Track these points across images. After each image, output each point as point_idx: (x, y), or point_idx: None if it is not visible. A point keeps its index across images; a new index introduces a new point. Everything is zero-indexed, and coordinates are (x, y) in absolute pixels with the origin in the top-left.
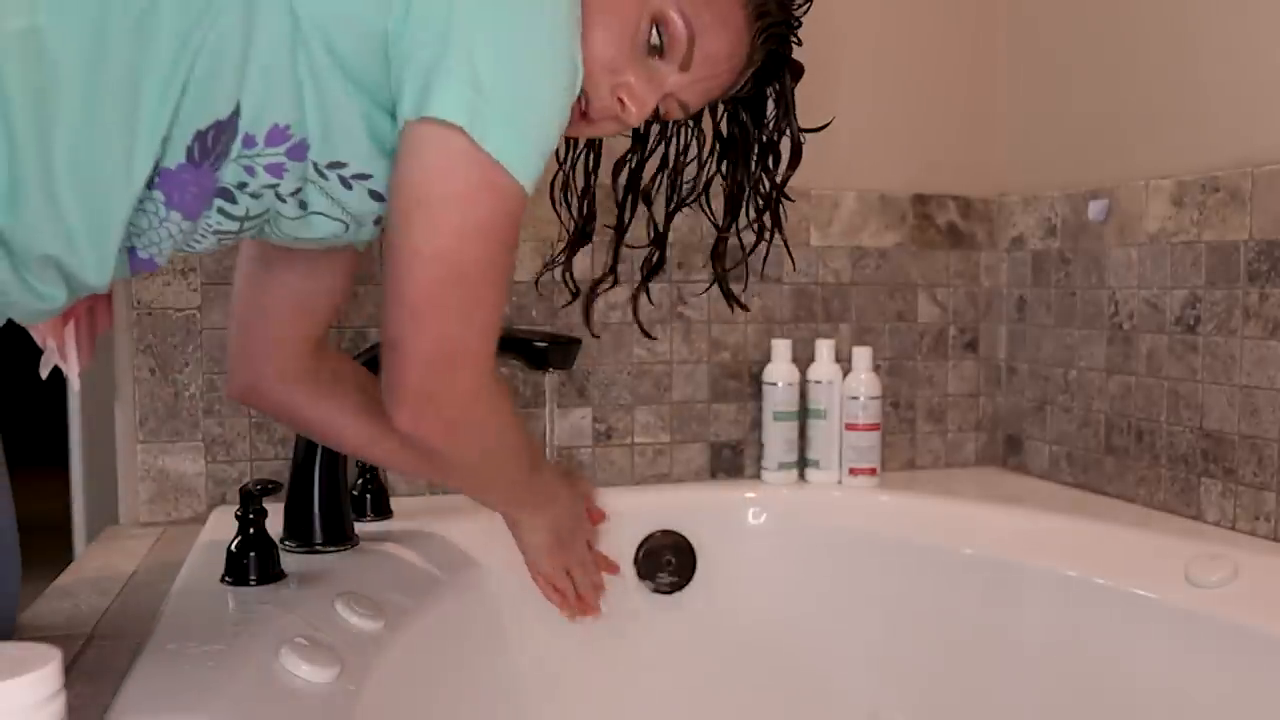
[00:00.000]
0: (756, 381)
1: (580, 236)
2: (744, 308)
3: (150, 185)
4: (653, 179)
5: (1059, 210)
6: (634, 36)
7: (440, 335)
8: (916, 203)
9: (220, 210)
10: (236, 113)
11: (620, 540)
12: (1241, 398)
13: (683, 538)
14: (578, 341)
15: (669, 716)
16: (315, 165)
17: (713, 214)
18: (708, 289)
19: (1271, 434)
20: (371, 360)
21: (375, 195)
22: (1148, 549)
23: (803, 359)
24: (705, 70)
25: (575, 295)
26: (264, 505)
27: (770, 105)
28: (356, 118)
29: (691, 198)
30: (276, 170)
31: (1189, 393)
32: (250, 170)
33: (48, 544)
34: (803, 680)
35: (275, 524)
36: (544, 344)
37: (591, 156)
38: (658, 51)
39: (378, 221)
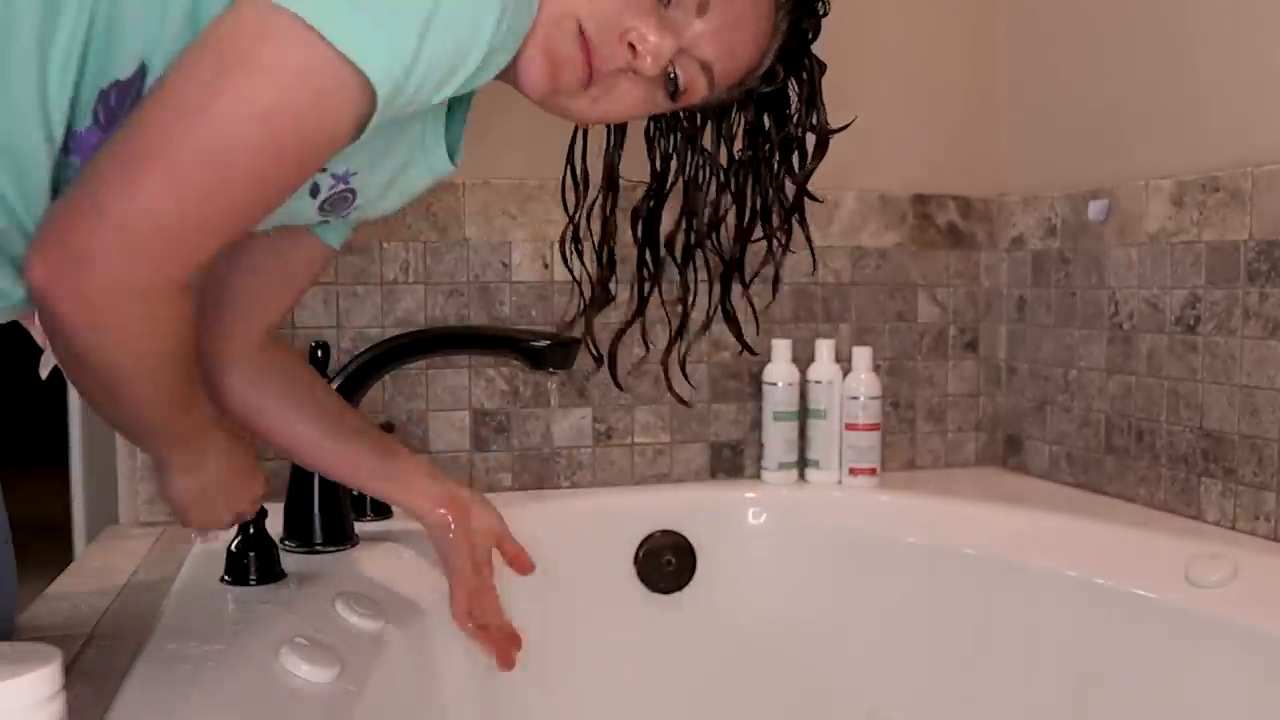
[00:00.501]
0: (756, 381)
1: (602, 297)
2: (751, 351)
3: (67, 150)
4: (675, 225)
5: (1059, 210)
6: None
7: (153, 203)
8: (916, 203)
9: None
10: (141, 73)
11: (620, 540)
12: (1241, 398)
13: (683, 538)
14: (578, 341)
15: (669, 716)
16: None
17: (720, 247)
18: (712, 314)
19: (1271, 434)
20: (370, 362)
21: None
22: (1148, 549)
23: (803, 359)
24: (726, 16)
25: (599, 360)
26: (264, 505)
27: (793, 100)
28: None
29: (709, 231)
30: None
31: (1189, 393)
32: None
33: (48, 544)
34: (802, 680)
35: (275, 524)
36: (544, 344)
37: (610, 198)
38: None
39: (315, 195)
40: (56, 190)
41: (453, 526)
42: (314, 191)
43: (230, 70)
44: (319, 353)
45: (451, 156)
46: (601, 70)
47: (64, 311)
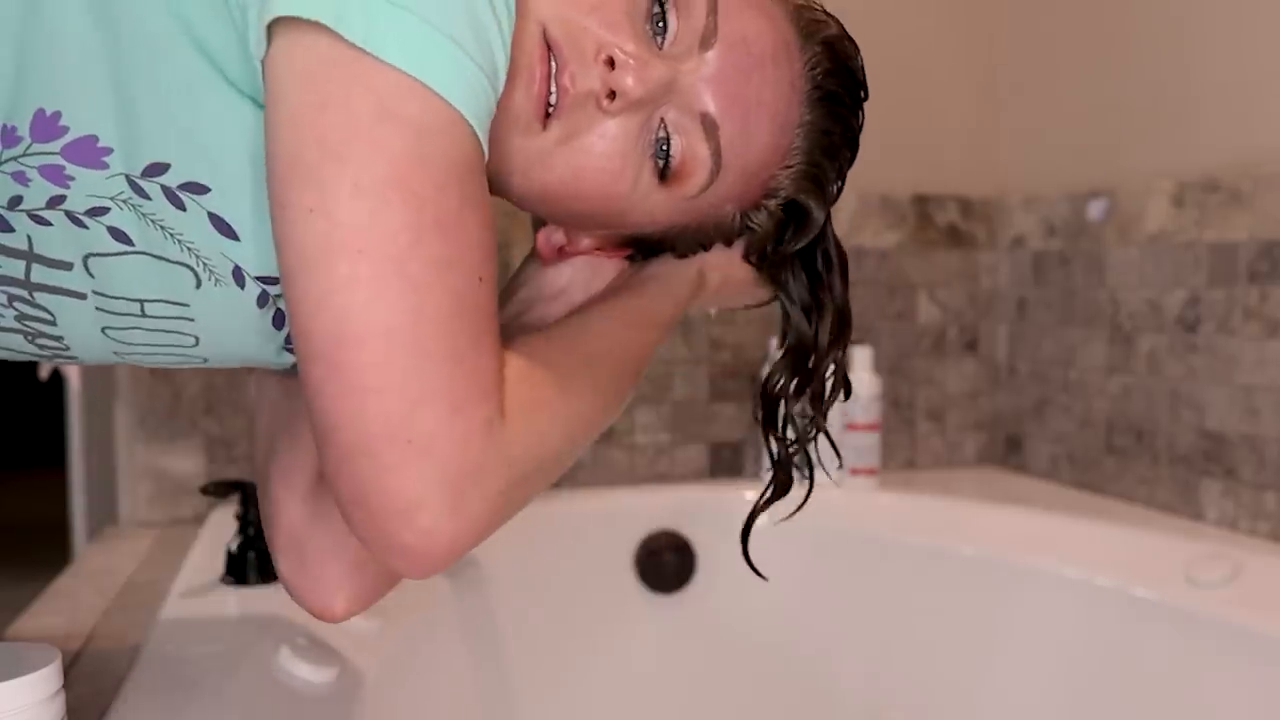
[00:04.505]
0: (756, 381)
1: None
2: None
3: None
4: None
5: (1059, 210)
6: (629, 1)
7: (394, 382)
8: (916, 203)
9: None
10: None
11: (620, 540)
12: (1242, 398)
13: (683, 538)
14: None
15: (669, 716)
16: (128, 178)
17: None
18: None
19: (1271, 434)
20: None
21: (218, 223)
22: (1148, 549)
23: None
24: (737, 58)
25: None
26: None
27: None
28: (176, 80)
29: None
30: (56, 175)
31: (1189, 393)
32: (21, 178)
33: (48, 544)
34: (802, 680)
35: None
36: None
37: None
38: (661, 25)
39: (256, 292)
40: None
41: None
42: (276, 321)
43: (326, 161)
44: None
45: None
46: (566, 90)
47: (467, 549)
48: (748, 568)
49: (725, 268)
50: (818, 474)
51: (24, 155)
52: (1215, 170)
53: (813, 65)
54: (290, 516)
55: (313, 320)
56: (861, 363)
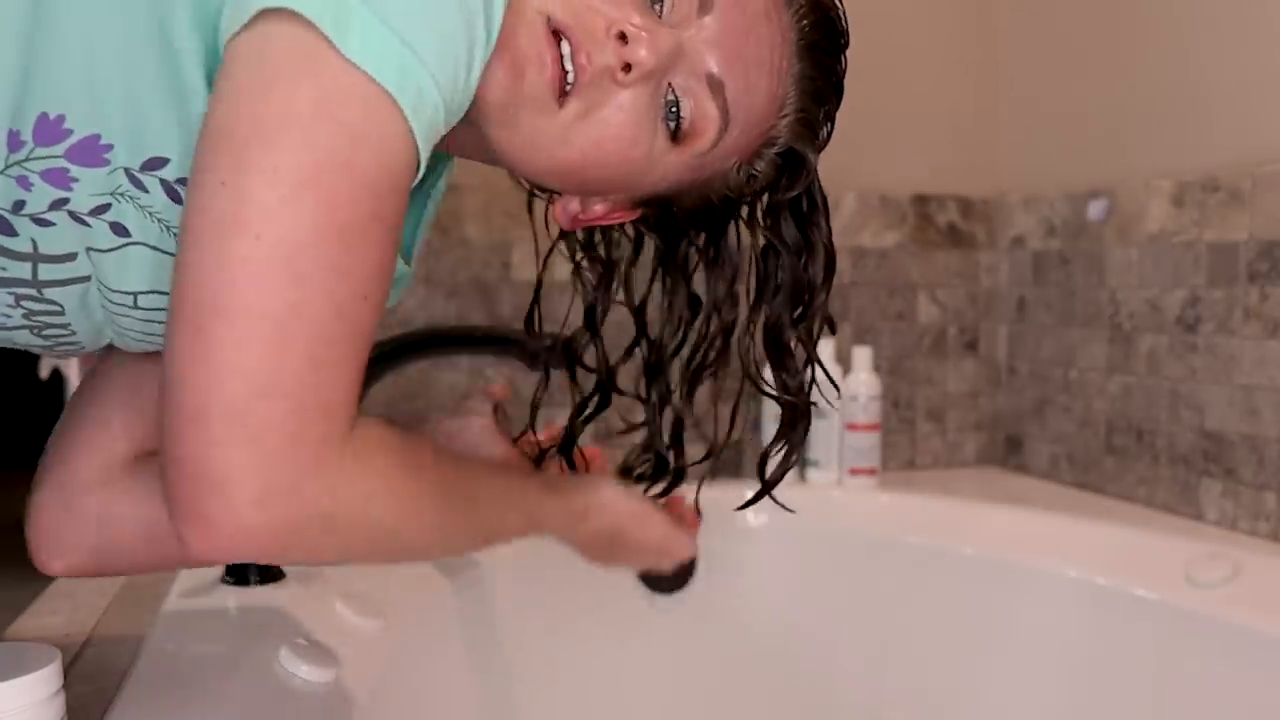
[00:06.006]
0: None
1: (600, 398)
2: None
3: None
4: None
5: (1059, 210)
6: None
7: (238, 373)
8: (916, 203)
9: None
10: None
11: None
12: (1241, 398)
13: None
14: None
15: (669, 716)
16: (127, 171)
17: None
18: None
19: (1271, 434)
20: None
21: None
22: (1148, 549)
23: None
24: (733, 19)
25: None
26: None
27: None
28: (178, 79)
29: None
30: (59, 178)
31: (1189, 393)
32: (24, 183)
33: None
34: (803, 680)
35: None
36: (544, 344)
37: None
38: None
39: None
40: None
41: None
42: None
43: (253, 142)
44: None
45: (406, 257)
46: (584, 68)
47: (251, 551)
48: (748, 568)
49: (627, 518)
50: (815, 472)
51: (27, 160)
52: (1215, 170)
53: (799, 17)
54: (85, 463)
55: (194, 287)
56: (861, 363)
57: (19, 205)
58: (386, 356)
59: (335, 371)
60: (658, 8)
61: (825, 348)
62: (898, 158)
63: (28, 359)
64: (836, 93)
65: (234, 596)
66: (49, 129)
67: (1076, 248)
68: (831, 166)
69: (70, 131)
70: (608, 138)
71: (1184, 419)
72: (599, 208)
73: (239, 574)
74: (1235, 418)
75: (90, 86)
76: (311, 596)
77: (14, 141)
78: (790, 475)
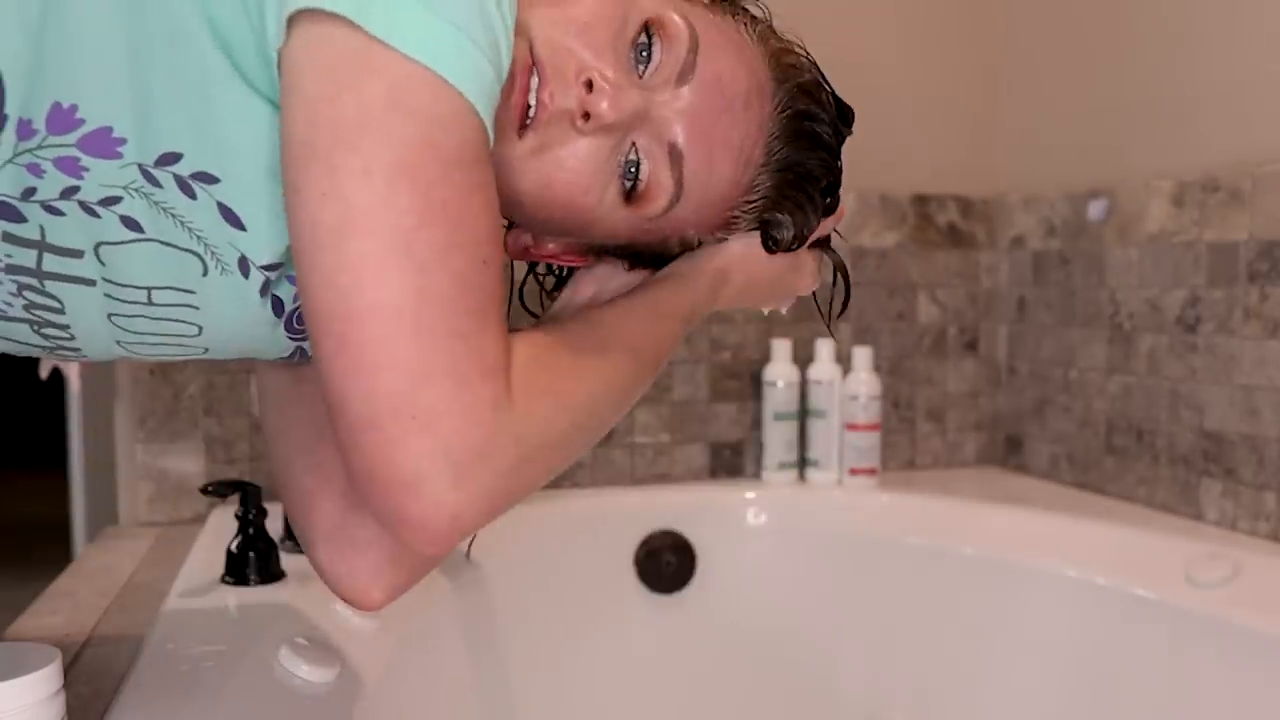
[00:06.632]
0: (756, 381)
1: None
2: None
3: None
4: None
5: (1059, 210)
6: (616, 30)
7: (403, 357)
8: (916, 203)
9: (7, 237)
10: None
11: (620, 540)
12: (1241, 398)
13: (683, 538)
14: None
15: (668, 716)
16: (141, 166)
17: None
18: None
19: (1271, 434)
20: None
21: (227, 213)
22: (1148, 549)
23: (802, 359)
24: (710, 97)
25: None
26: (264, 505)
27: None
28: (193, 74)
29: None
30: (71, 167)
31: (1189, 393)
32: (36, 170)
33: (48, 544)
34: (802, 680)
35: (275, 524)
36: None
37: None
38: (645, 55)
39: (262, 282)
40: None
41: None
42: (276, 308)
43: (338, 147)
44: None
45: None
46: (545, 106)
47: (472, 528)
48: (748, 568)
49: (748, 266)
50: (815, 472)
51: (39, 148)
52: (1215, 170)
53: (781, 109)
54: (327, 508)
55: (322, 298)
56: (861, 362)
57: (29, 192)
58: None
59: (481, 338)
60: (641, 68)
61: (825, 348)
62: (898, 158)
63: (27, 359)
64: (827, 174)
65: (234, 596)
66: (62, 118)
67: (1076, 248)
68: None
69: (82, 121)
70: (558, 180)
71: (1184, 419)
72: (551, 246)
73: (239, 574)
74: (1235, 418)
75: (101, 78)
76: (311, 596)
77: (25, 130)
78: (790, 475)
